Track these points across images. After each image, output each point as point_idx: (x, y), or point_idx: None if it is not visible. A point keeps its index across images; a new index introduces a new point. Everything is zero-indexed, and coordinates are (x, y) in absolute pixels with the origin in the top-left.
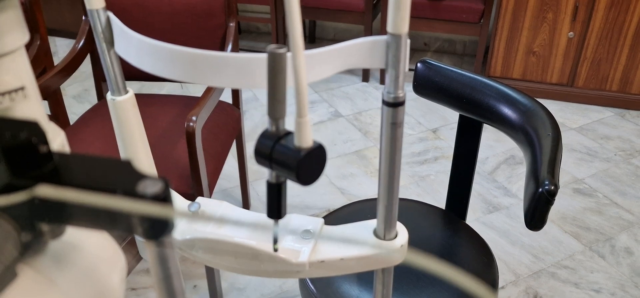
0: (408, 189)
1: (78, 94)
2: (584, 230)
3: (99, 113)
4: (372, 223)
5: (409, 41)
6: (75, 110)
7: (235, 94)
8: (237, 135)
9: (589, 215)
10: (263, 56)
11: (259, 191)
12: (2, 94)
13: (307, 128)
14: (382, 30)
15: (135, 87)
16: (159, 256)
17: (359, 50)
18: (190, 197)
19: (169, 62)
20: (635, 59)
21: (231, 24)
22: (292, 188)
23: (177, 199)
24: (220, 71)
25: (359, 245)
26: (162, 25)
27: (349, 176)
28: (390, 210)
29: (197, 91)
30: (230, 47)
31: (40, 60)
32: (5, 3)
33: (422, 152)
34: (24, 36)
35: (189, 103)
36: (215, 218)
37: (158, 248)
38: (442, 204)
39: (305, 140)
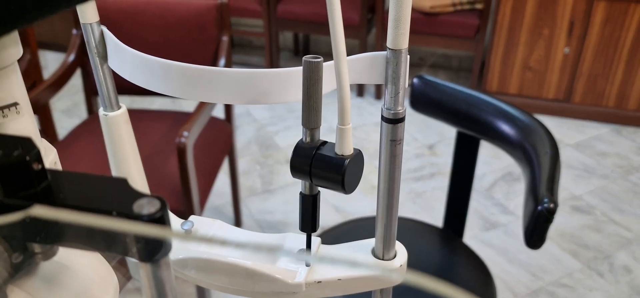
0: (404, 206)
1: (67, 108)
2: (583, 248)
3: (89, 128)
4: (370, 242)
5: (408, 57)
6: (64, 125)
7: (228, 109)
8: (229, 151)
9: (587, 232)
10: (258, 72)
11: (251, 208)
12: None
13: (349, 136)
14: (377, 45)
15: (125, 102)
16: (155, 278)
17: (358, 65)
18: (181, 214)
19: (170, 78)
20: (631, 74)
21: (224, 38)
22: (285, 205)
23: (170, 217)
24: (214, 86)
25: (357, 265)
26: (154, 39)
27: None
28: (390, 229)
29: (189, 106)
30: (223, 61)
31: (29, 74)
32: None
33: (418, 169)
34: (18, 51)
35: (181, 118)
36: (209, 237)
37: (154, 270)
38: (438, 221)
39: (348, 147)
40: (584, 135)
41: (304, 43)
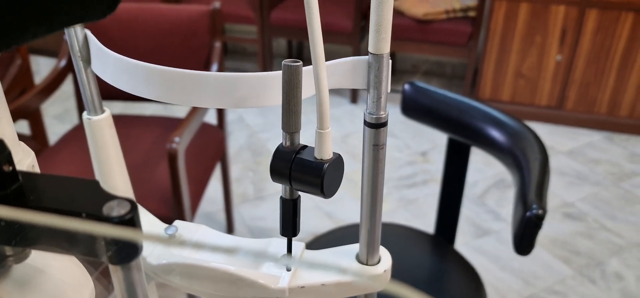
0: (396, 213)
1: (59, 114)
2: (574, 255)
3: (79, 134)
4: (355, 247)
5: (390, 62)
6: (56, 130)
7: (220, 115)
8: (222, 158)
9: (579, 239)
10: (240, 76)
11: (243, 215)
12: None
13: (328, 140)
14: None
15: (118, 108)
16: (126, 281)
17: (340, 70)
18: (171, 220)
19: (151, 82)
20: (622, 82)
21: (216, 44)
22: (278, 212)
23: (154, 221)
24: (201, 90)
25: (341, 270)
26: (145, 45)
27: (336, 200)
28: (373, 234)
29: (181, 113)
30: (215, 67)
31: (20, 79)
32: None
33: (411, 176)
34: None
35: (172, 124)
36: (193, 242)
37: (125, 273)
38: (431, 228)
39: (327, 151)
40: (576, 143)
41: (298, 49)
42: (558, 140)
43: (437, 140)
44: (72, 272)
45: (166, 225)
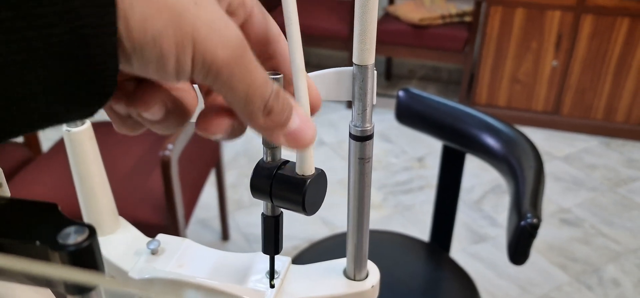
0: (392, 220)
1: None
2: (571, 261)
3: None
4: (342, 262)
5: (376, 72)
6: (51, 136)
7: None
8: (216, 164)
9: (576, 245)
10: None
11: (238, 221)
12: None
13: (311, 155)
14: None
15: None
16: None
17: (323, 82)
18: (165, 229)
19: None
20: (618, 87)
21: None
22: None
23: (137, 235)
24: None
25: (327, 285)
26: None
27: (332, 206)
28: (360, 249)
29: None
30: None
31: None
32: None
33: (407, 181)
34: None
35: None
36: (176, 257)
37: None
38: (427, 234)
39: (309, 167)
40: (572, 148)
41: None
42: (554, 145)
43: (433, 146)
44: (38, 295)
45: (149, 239)
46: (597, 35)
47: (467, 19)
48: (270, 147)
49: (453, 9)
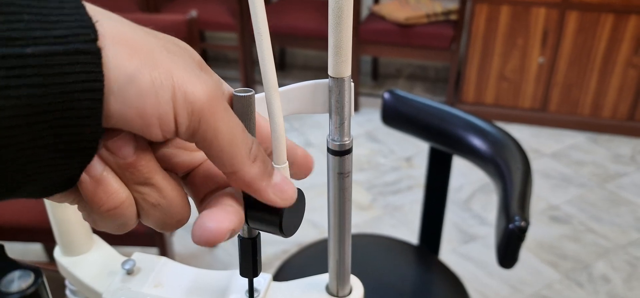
0: (382, 220)
1: None
2: (561, 259)
3: None
4: (324, 278)
5: (353, 84)
6: None
7: None
8: None
9: (566, 242)
10: None
11: None
12: None
13: (287, 175)
14: (354, 57)
15: None
16: None
17: (299, 95)
18: (149, 235)
19: None
20: (604, 83)
21: None
22: None
23: (111, 254)
24: None
25: None
26: None
27: (321, 208)
28: (343, 264)
29: None
30: None
31: None
32: None
33: (396, 182)
34: None
35: None
36: (152, 276)
37: None
38: (416, 235)
39: None
40: (560, 144)
41: (280, 56)
42: (542, 142)
43: (421, 145)
44: None
45: (124, 258)
46: (582, 31)
47: (453, 17)
48: None
49: (438, 7)
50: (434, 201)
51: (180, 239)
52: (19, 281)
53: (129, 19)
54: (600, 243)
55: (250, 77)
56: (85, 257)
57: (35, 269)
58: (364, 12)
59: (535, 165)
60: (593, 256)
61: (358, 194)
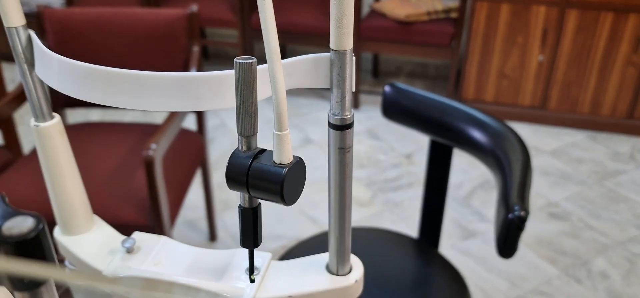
0: (382, 216)
1: None
2: (560, 255)
3: None
4: (324, 257)
5: (354, 59)
6: (32, 139)
7: (200, 121)
8: (202, 164)
9: (565, 239)
10: (191, 76)
11: (226, 221)
12: None
13: (288, 142)
14: (355, 54)
15: (97, 115)
16: None
17: (300, 68)
18: (150, 229)
19: (95, 85)
20: (603, 82)
21: (195, 48)
22: (262, 219)
23: (111, 233)
24: (150, 92)
25: (310, 281)
26: (121, 50)
27: (320, 204)
28: (343, 242)
29: (159, 119)
30: (193, 71)
31: None
32: None
33: (396, 178)
34: None
35: (150, 131)
36: (152, 255)
37: None
38: (417, 231)
39: (286, 155)
40: (559, 142)
41: (281, 53)
42: (542, 140)
43: (421, 142)
44: None
45: (124, 237)
46: (582, 29)
47: (453, 14)
48: (245, 135)
49: (439, 5)
50: (434, 195)
51: (180, 234)
52: (20, 226)
53: (127, 13)
54: (599, 240)
55: None
56: (85, 236)
57: (35, 215)
58: (365, 10)
59: (535, 162)
60: (592, 252)
61: (358, 190)
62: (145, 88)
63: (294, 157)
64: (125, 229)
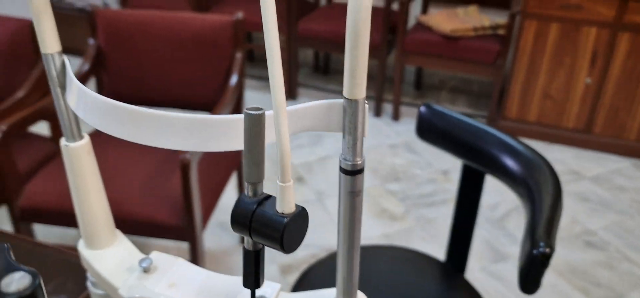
0: (413, 232)
1: None
2: (594, 286)
3: (99, 139)
4: (331, 293)
5: (367, 106)
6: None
7: None
8: (238, 167)
9: (600, 269)
10: (205, 118)
11: None
12: None
13: (291, 193)
14: (396, 66)
15: None
16: None
17: (314, 113)
18: (183, 231)
19: (114, 120)
20: None
21: (238, 55)
22: None
23: (131, 251)
24: (168, 131)
25: None
26: (165, 54)
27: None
28: (350, 281)
29: None
30: (235, 77)
31: (43, 82)
32: None
33: (431, 194)
34: None
35: None
36: (167, 276)
37: None
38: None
39: (288, 205)
40: (602, 168)
41: (325, 60)
42: (584, 164)
43: (458, 160)
44: None
45: (142, 256)
46: (633, 53)
47: (500, 31)
48: (251, 182)
49: (486, 20)
50: (463, 219)
51: (212, 235)
52: (17, 282)
53: (173, 18)
54: (636, 273)
55: (294, 79)
56: (106, 251)
57: (32, 272)
58: (411, 22)
59: (574, 187)
60: (627, 286)
61: (391, 204)
62: (161, 128)
63: (297, 206)
64: (159, 229)
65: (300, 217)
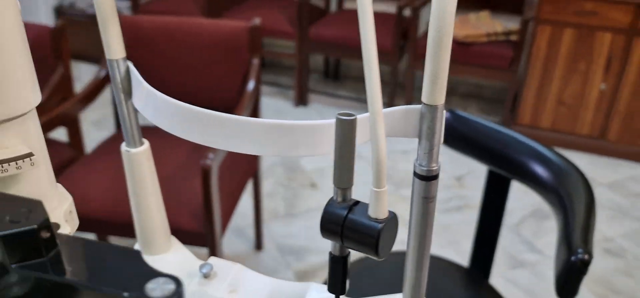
0: None
1: (97, 120)
2: (613, 293)
3: (114, 145)
4: None
5: (445, 112)
6: (93, 137)
7: None
8: (254, 174)
9: (619, 277)
10: (289, 124)
11: (273, 231)
12: (7, 161)
13: (385, 199)
14: (408, 72)
15: None
16: None
17: (391, 119)
18: (201, 236)
19: (193, 125)
20: None
21: (254, 61)
22: (307, 231)
23: (188, 257)
24: (239, 136)
25: None
26: (187, 58)
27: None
28: (418, 289)
29: None
30: (252, 83)
31: (61, 87)
32: (15, 62)
33: (446, 200)
34: (36, 98)
35: None
36: (228, 282)
37: None
38: (463, 256)
39: (382, 211)
40: (618, 175)
41: (335, 66)
42: (599, 171)
43: (472, 166)
44: None
45: (201, 262)
46: None
47: (513, 37)
48: (342, 187)
49: (499, 26)
50: (488, 224)
51: (227, 241)
52: (162, 287)
53: (191, 23)
54: None
55: (305, 86)
56: (163, 257)
57: (174, 278)
58: (422, 27)
59: None
60: None
61: (405, 209)
62: (241, 133)
63: (389, 212)
64: (179, 234)
65: (393, 222)
